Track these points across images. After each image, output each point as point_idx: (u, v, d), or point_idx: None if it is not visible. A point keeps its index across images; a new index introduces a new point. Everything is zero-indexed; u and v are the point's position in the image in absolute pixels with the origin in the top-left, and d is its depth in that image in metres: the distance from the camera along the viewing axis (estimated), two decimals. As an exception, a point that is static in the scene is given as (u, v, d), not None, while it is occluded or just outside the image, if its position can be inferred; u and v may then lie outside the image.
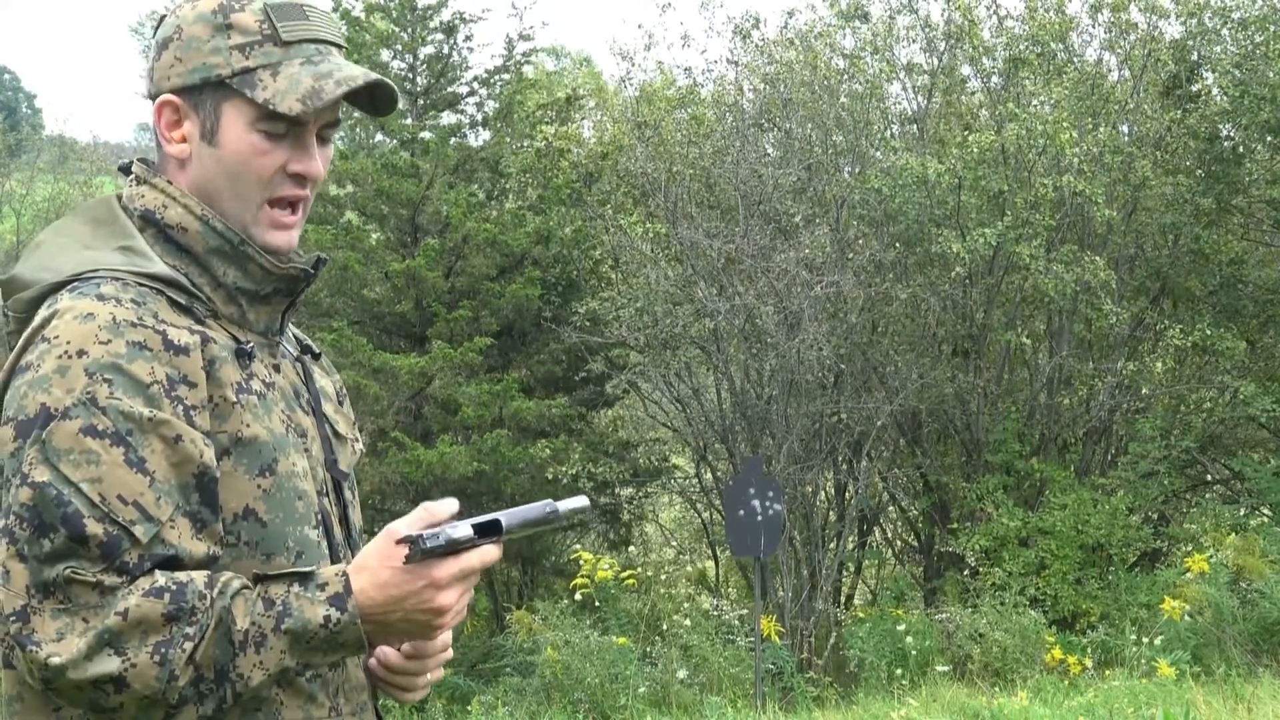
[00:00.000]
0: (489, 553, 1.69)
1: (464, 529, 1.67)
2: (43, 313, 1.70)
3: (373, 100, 1.86)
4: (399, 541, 1.65)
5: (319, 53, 1.81)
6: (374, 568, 1.66)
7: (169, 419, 1.64)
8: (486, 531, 1.69)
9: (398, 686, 1.92)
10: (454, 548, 1.66)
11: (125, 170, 1.88)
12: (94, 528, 1.58)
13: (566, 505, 1.77)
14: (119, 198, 1.86)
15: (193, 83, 1.79)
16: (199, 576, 1.62)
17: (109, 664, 1.56)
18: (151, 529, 1.61)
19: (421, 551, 1.64)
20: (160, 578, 1.60)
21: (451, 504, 1.72)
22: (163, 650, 1.57)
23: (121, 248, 1.77)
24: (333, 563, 1.83)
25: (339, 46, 1.85)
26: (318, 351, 2.02)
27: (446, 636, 1.91)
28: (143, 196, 1.83)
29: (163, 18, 1.85)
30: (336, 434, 1.93)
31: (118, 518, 1.59)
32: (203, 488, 1.67)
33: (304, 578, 1.66)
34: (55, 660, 1.56)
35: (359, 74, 1.79)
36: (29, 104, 50.22)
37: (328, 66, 1.79)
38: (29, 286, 1.75)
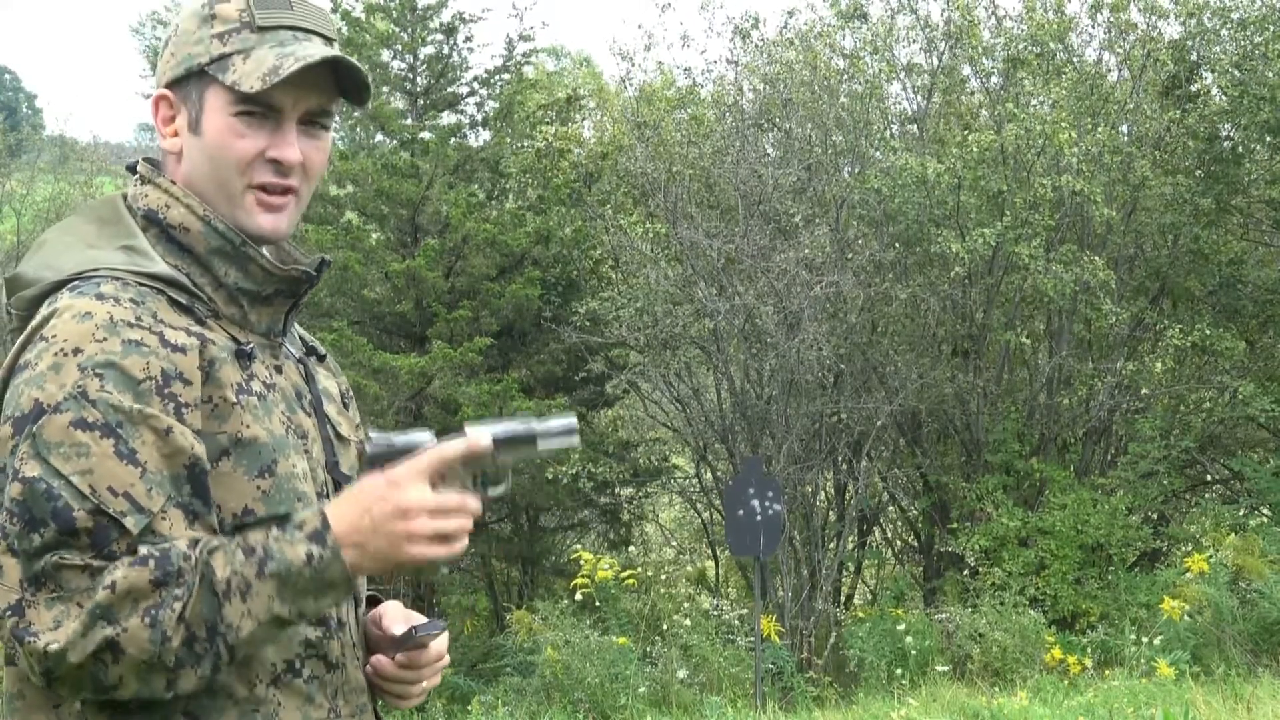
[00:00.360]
0: (447, 448, 1.66)
1: (421, 434, 1.67)
2: (43, 311, 1.71)
3: (355, 86, 1.85)
4: (359, 455, 1.67)
5: (295, 38, 1.81)
6: (345, 494, 1.68)
7: (157, 414, 1.65)
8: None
9: (392, 694, 1.92)
10: (409, 450, 1.66)
11: (132, 170, 1.89)
12: (84, 520, 1.59)
13: (547, 424, 1.72)
14: (124, 197, 1.86)
15: (180, 74, 1.82)
16: (181, 541, 1.62)
17: (103, 633, 1.56)
18: (143, 520, 1.61)
19: (372, 447, 1.64)
20: (143, 548, 1.60)
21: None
22: (153, 613, 1.57)
23: (124, 247, 1.77)
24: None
25: (325, 37, 1.84)
26: (323, 353, 2.02)
27: (441, 645, 1.90)
28: (146, 196, 1.84)
29: None
30: (339, 436, 1.93)
31: (108, 509, 1.60)
32: (194, 479, 1.67)
33: (282, 520, 1.67)
34: (54, 647, 1.57)
35: (318, 52, 1.79)
36: (29, 104, 50.18)
37: (294, 48, 1.79)
38: (32, 284, 1.76)
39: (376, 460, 1.65)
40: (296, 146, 1.82)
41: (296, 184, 1.83)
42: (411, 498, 1.65)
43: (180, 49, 1.82)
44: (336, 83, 1.84)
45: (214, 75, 1.79)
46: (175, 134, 1.83)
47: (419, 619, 1.91)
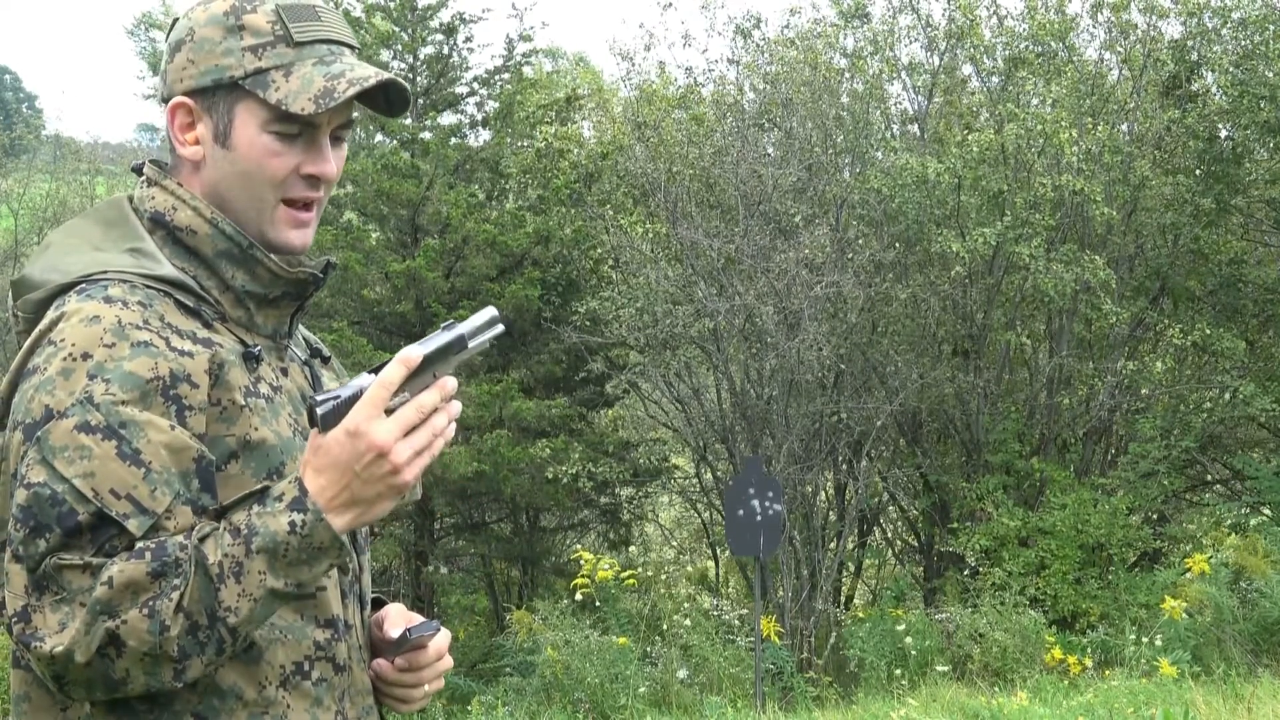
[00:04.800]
0: (385, 377, 1.64)
1: (361, 378, 1.66)
2: (50, 315, 1.71)
3: (386, 100, 1.86)
4: (311, 425, 1.65)
5: (331, 53, 1.81)
6: (310, 460, 1.65)
7: (162, 415, 1.65)
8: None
9: (394, 698, 1.92)
10: (355, 399, 1.64)
11: (138, 171, 1.88)
12: (86, 522, 1.60)
13: (470, 323, 1.72)
14: (130, 199, 1.86)
15: (205, 85, 1.79)
16: (178, 534, 1.63)
17: (104, 626, 1.57)
18: (146, 521, 1.61)
19: (320, 414, 1.62)
20: (140, 542, 1.60)
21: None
22: (151, 604, 1.57)
23: (130, 249, 1.77)
24: (344, 568, 1.84)
25: (351, 47, 1.86)
26: (327, 355, 2.02)
27: (441, 645, 1.90)
28: (153, 198, 1.83)
29: (175, 20, 1.86)
30: (343, 436, 1.93)
31: (110, 512, 1.60)
32: (202, 473, 1.67)
33: (261, 496, 1.66)
34: (59, 649, 1.57)
35: (371, 74, 1.79)
36: (29, 104, 50.07)
37: (340, 66, 1.79)
38: (38, 287, 1.76)
39: (329, 420, 1.63)
40: (333, 161, 1.82)
41: (323, 194, 1.85)
42: (380, 435, 1.62)
43: (204, 59, 1.80)
44: (387, 96, 1.85)
45: (250, 90, 1.78)
46: (195, 142, 1.82)
47: (418, 621, 1.91)
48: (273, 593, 1.63)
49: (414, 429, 1.65)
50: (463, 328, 1.71)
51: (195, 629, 1.59)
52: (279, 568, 1.62)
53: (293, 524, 1.62)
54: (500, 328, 1.75)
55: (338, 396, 1.64)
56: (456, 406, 1.69)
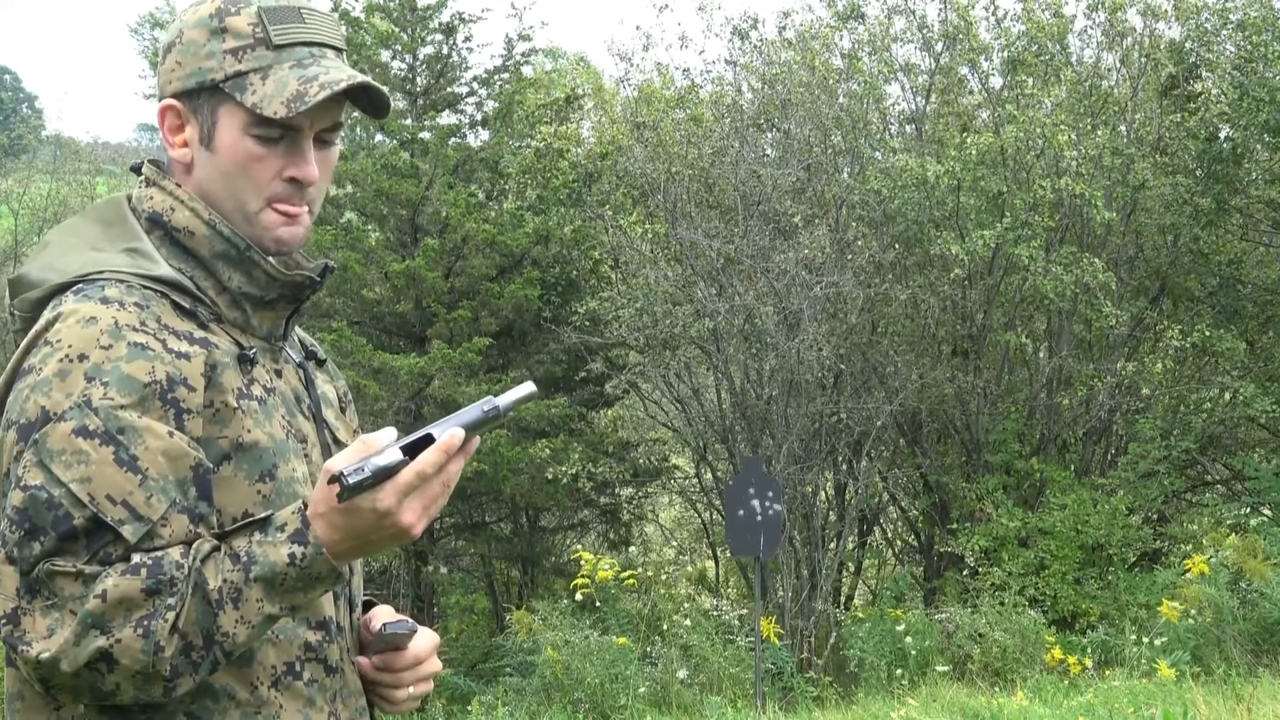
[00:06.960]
0: (424, 464, 1.63)
1: (391, 455, 1.63)
2: (47, 315, 1.70)
3: (371, 102, 1.85)
4: (330, 481, 1.62)
5: (311, 55, 1.79)
6: (324, 513, 1.64)
7: (160, 420, 1.65)
8: (418, 450, 1.64)
9: (378, 696, 1.91)
10: (384, 475, 1.62)
11: (137, 171, 1.88)
12: (82, 527, 1.60)
13: (508, 398, 1.72)
14: (129, 199, 1.86)
15: (190, 87, 1.79)
16: (175, 548, 1.62)
17: (96, 643, 1.57)
18: (141, 528, 1.61)
19: (349, 489, 1.61)
20: (136, 555, 1.60)
21: (389, 432, 1.67)
22: (145, 623, 1.57)
23: (128, 249, 1.77)
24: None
25: (337, 49, 1.84)
26: (323, 358, 2.02)
27: (420, 649, 1.89)
28: (151, 199, 1.83)
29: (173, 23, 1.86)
30: (337, 440, 1.93)
31: (106, 517, 1.60)
32: (199, 481, 1.67)
33: (263, 524, 1.66)
34: (45, 655, 1.57)
35: (344, 77, 1.77)
36: (30, 105, 50.06)
37: (315, 70, 1.78)
38: (35, 286, 1.76)
39: (359, 489, 1.62)
40: (314, 165, 1.81)
41: (311, 196, 1.83)
42: (408, 518, 1.64)
43: (189, 60, 1.80)
44: (368, 99, 1.83)
45: (230, 93, 1.77)
46: (184, 144, 1.82)
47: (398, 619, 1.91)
48: (269, 618, 1.64)
49: (436, 499, 1.66)
50: (500, 402, 1.71)
51: (190, 649, 1.60)
52: (275, 596, 1.63)
53: (292, 556, 1.63)
54: (535, 392, 1.75)
55: (363, 470, 1.61)
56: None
